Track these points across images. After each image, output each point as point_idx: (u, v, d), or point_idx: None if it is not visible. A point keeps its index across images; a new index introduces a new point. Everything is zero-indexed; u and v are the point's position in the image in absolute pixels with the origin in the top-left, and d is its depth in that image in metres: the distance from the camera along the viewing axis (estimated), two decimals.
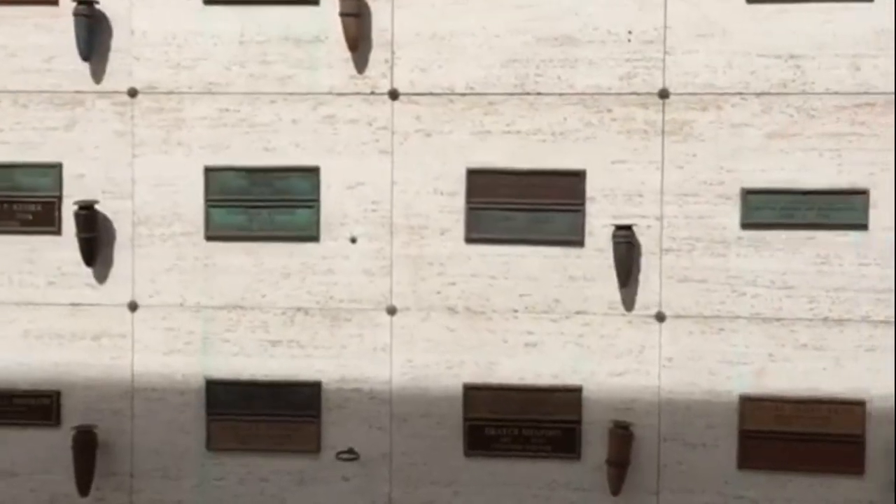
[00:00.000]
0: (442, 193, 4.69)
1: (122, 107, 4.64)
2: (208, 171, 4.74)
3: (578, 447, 4.69)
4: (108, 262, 4.79)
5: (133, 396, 4.81)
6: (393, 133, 4.79)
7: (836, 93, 4.52)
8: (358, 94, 4.69)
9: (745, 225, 4.66)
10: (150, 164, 4.80)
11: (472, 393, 4.75)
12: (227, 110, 4.71)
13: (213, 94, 4.71)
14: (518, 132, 4.70)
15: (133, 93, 4.64)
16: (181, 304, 4.87)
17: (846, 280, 4.61)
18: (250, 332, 4.85)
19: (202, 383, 4.77)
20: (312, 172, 4.74)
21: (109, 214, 4.71)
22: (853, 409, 4.55)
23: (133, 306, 4.77)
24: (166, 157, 4.78)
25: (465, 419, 4.72)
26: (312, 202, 4.73)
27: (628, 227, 4.65)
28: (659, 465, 4.68)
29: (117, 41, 4.67)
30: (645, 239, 4.66)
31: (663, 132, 4.65)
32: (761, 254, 4.66)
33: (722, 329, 4.71)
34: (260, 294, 4.85)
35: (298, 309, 4.82)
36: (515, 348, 4.76)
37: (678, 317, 4.72)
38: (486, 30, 4.57)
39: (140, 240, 4.83)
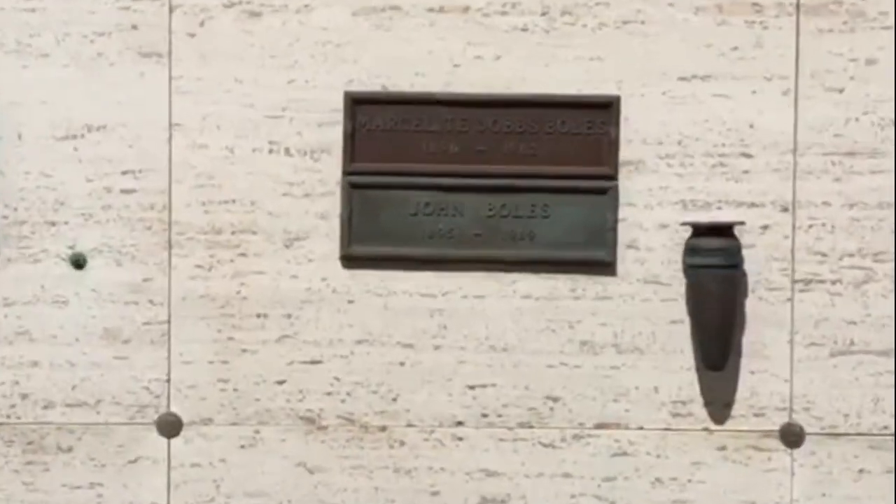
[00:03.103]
0: (288, 151, 2.53)
1: None
2: None
3: None
4: None
5: None
6: (171, 10, 2.52)
7: None
8: None
9: None
10: None
11: None
12: None
13: None
14: (465, 9, 2.53)
15: None
16: None
17: None
18: None
19: None
20: None
21: None
22: None
23: None
24: None
25: None
26: None
27: (724, 232, 2.45)
28: None
29: None
30: (758, 256, 2.52)
31: (798, 9, 2.51)
32: None
33: None
34: None
35: None
36: None
37: (833, 435, 2.57)
38: None
39: None
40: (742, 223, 2.43)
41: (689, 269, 2.43)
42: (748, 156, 2.46)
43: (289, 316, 2.49)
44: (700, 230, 2.41)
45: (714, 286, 2.39)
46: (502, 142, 2.46)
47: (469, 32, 2.45)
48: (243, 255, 2.48)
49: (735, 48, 2.45)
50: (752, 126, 2.46)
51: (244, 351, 2.49)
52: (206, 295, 2.48)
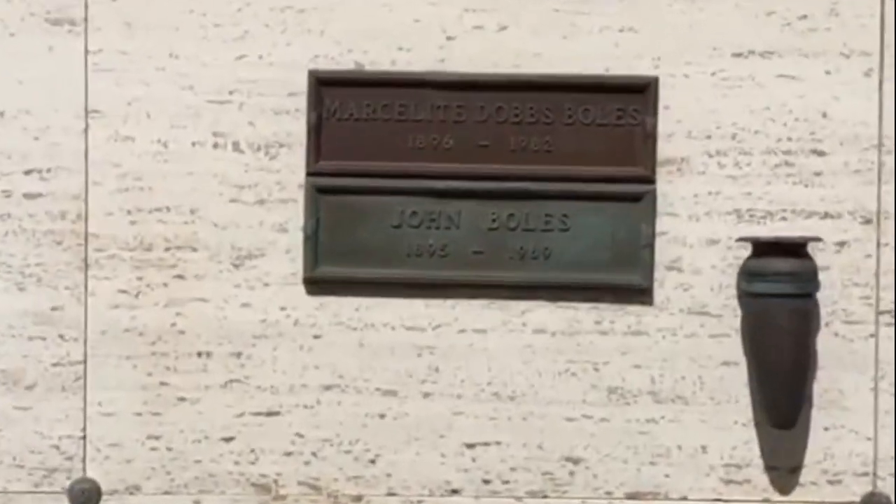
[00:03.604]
0: (237, 146, 2.17)
1: None
2: None
3: None
4: None
5: None
6: None
7: None
8: None
9: None
10: None
11: None
12: None
13: None
14: None
15: None
16: None
17: None
18: None
19: None
20: None
21: None
22: None
23: None
24: None
25: None
26: None
27: (795, 251, 2.07)
28: None
29: None
30: (833, 280, 2.15)
31: None
32: None
33: None
34: None
35: None
36: None
37: None
38: None
39: None
40: (818, 240, 2.00)
41: (749, 298, 1.99)
42: (820, 153, 2.09)
43: (238, 355, 2.14)
44: (763, 248, 1.98)
45: (783, 321, 1.95)
46: (509, 135, 2.13)
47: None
48: (180, 277, 2.13)
49: (804, 16, 2.08)
50: (825, 115, 2.10)
51: (181, 399, 2.13)
52: (133, 328, 2.14)
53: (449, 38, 2.10)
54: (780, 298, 1.97)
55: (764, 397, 2.02)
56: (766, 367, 2.00)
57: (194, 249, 2.11)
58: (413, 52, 2.10)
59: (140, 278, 2.11)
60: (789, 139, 2.08)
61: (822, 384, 2.09)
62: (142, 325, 2.11)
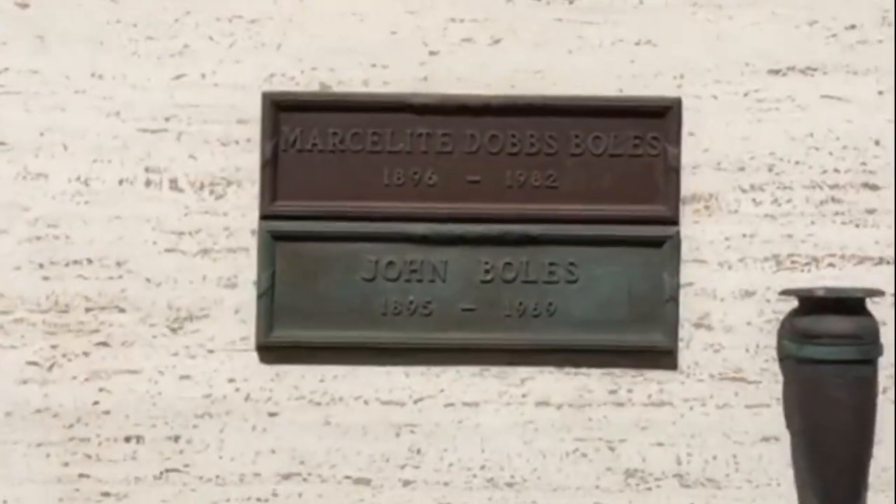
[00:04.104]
0: (174, 184, 1.97)
1: None
2: None
3: None
4: None
5: None
6: None
7: None
8: None
9: None
10: None
11: None
12: None
13: None
14: None
15: None
16: None
17: None
18: None
19: None
20: None
21: None
22: None
23: None
24: None
25: None
26: None
27: (853, 307, 1.83)
28: None
29: None
30: (889, 337, 1.93)
31: None
32: None
33: None
34: None
35: None
36: None
37: None
38: None
39: None
40: (880, 293, 1.76)
41: (797, 364, 1.76)
42: (873, 187, 1.97)
43: (176, 438, 1.94)
44: (813, 304, 1.70)
45: (842, 392, 1.71)
46: (505, 168, 1.96)
47: (453, 1, 1.88)
48: (104, 344, 1.95)
49: (852, 26, 1.95)
50: (877, 143, 1.98)
51: (105, 495, 1.92)
52: (46, 408, 1.92)
53: (432, 54, 1.95)
54: (837, 365, 1.72)
55: (816, 481, 1.76)
56: (818, 447, 1.74)
57: (122, 310, 1.97)
58: (390, 70, 1.95)
59: (54, 347, 1.95)
60: (836, 171, 1.93)
61: (880, 461, 1.90)
62: (57, 403, 1.95)
